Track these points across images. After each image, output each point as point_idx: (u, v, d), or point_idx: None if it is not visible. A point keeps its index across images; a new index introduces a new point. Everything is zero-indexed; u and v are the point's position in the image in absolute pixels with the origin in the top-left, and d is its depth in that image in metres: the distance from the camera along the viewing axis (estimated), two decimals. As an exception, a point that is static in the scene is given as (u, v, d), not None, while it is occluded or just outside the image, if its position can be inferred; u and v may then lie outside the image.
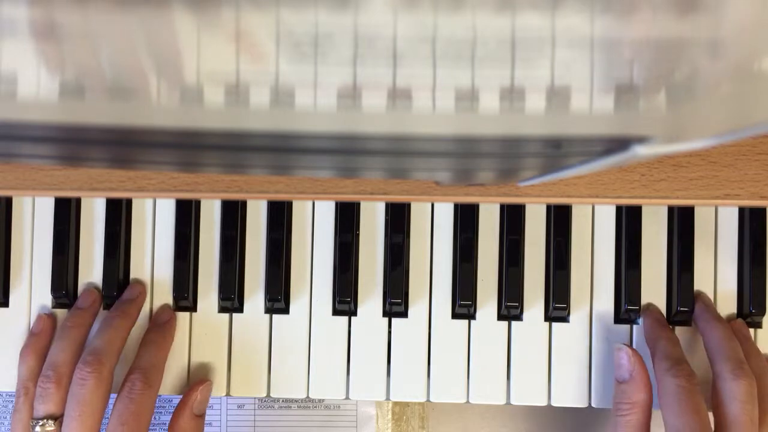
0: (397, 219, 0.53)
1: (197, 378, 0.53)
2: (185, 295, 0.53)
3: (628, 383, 0.49)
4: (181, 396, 0.52)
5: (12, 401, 0.58)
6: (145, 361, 0.50)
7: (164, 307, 0.53)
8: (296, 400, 0.58)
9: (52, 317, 0.53)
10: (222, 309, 0.53)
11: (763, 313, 0.52)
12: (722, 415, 0.46)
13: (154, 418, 0.58)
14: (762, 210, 0.53)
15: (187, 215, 0.53)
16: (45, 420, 0.47)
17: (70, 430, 0.46)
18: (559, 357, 0.52)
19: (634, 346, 0.53)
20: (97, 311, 0.52)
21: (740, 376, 0.46)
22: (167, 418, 0.58)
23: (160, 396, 0.55)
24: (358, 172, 0.45)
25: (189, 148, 0.33)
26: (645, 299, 0.53)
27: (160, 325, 0.52)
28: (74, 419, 0.46)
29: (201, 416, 0.51)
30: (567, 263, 0.52)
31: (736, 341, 0.49)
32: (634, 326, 0.53)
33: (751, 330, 0.53)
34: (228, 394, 0.53)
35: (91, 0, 0.19)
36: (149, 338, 0.51)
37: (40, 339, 0.51)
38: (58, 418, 0.47)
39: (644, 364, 0.49)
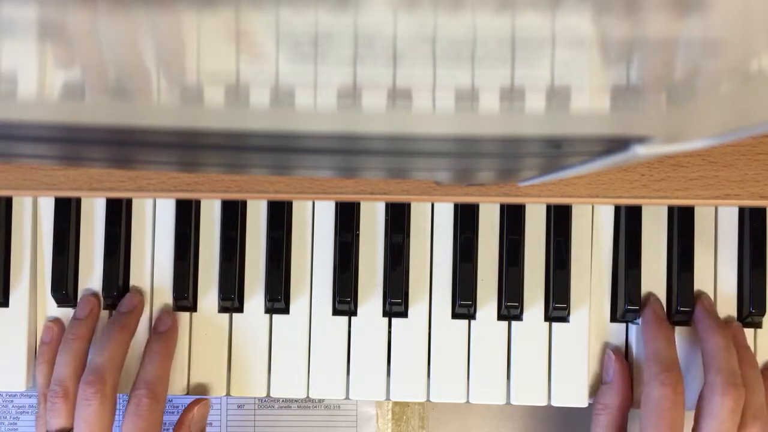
0: (397, 219, 0.53)
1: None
2: (185, 295, 0.53)
3: (606, 386, 0.51)
4: (179, 396, 0.52)
5: (12, 401, 0.58)
6: (150, 374, 0.50)
7: (165, 313, 0.53)
8: (296, 400, 0.58)
9: (59, 323, 0.53)
10: (222, 309, 0.53)
11: (763, 313, 0.52)
12: (700, 426, 0.48)
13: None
14: (762, 210, 0.53)
15: (187, 215, 0.53)
16: None
17: None
18: (559, 357, 0.52)
19: (632, 345, 0.53)
20: (97, 318, 0.52)
21: (728, 392, 0.47)
22: (167, 418, 0.58)
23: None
24: (358, 172, 0.45)
25: (189, 148, 0.33)
26: (643, 300, 0.53)
27: (163, 333, 0.52)
28: None
29: None
30: (567, 263, 0.52)
31: (733, 351, 0.49)
32: (633, 326, 0.53)
33: (751, 330, 0.53)
34: (228, 394, 0.53)
35: (91, 0, 0.19)
36: (152, 348, 0.51)
37: (52, 348, 0.52)
38: (69, 431, 0.48)
39: (626, 371, 0.51)
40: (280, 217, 0.53)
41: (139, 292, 0.53)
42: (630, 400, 0.51)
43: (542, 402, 0.52)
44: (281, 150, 0.31)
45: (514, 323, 0.53)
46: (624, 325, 0.53)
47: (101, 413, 0.47)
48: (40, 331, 0.53)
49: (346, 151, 0.31)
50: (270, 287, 0.52)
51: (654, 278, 0.53)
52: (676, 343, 0.52)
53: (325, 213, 0.53)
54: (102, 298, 0.53)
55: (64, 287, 0.52)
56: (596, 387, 0.53)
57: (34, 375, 0.52)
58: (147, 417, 0.48)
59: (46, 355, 0.52)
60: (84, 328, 0.51)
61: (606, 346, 0.53)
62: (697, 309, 0.52)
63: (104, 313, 0.53)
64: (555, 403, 0.52)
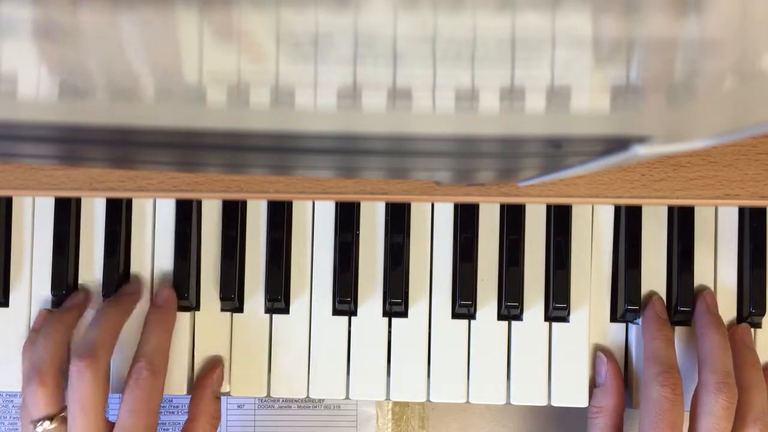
0: (397, 219, 0.53)
1: (201, 373, 0.53)
2: (185, 294, 0.53)
3: (599, 388, 0.51)
4: (179, 396, 0.52)
5: (12, 401, 0.58)
6: (150, 346, 0.49)
7: (163, 287, 0.52)
8: (296, 400, 0.58)
9: (52, 312, 0.53)
10: (222, 309, 0.53)
11: (763, 313, 0.52)
12: (696, 426, 0.48)
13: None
14: (762, 210, 0.53)
15: (187, 215, 0.53)
16: (43, 421, 0.47)
17: (77, 426, 0.46)
18: (559, 357, 0.52)
19: (632, 345, 0.53)
20: (84, 311, 0.52)
21: (722, 390, 0.47)
22: (167, 418, 0.58)
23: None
24: (358, 172, 0.45)
25: (189, 148, 0.33)
26: (645, 299, 0.53)
27: (161, 306, 0.51)
28: (78, 415, 0.46)
29: (219, 399, 0.52)
30: (567, 263, 0.52)
31: (729, 351, 0.49)
32: (633, 326, 0.53)
33: (751, 330, 0.53)
34: (228, 394, 0.53)
35: (92, 0, 0.19)
36: (151, 320, 0.51)
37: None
38: (56, 416, 0.47)
39: (618, 372, 0.51)
40: (280, 217, 0.53)
41: (139, 282, 0.53)
42: (624, 400, 0.51)
43: (542, 402, 0.52)
44: (281, 150, 0.31)
45: (514, 323, 0.53)
46: (624, 325, 0.53)
47: (94, 387, 0.46)
48: (40, 331, 0.53)
49: (346, 151, 0.31)
50: (270, 287, 0.52)
51: (654, 278, 0.53)
52: (676, 343, 0.52)
53: (325, 213, 0.53)
54: (91, 299, 0.53)
55: (64, 287, 0.52)
56: (596, 387, 0.53)
57: (21, 361, 0.51)
58: (147, 388, 0.47)
59: (33, 342, 0.51)
60: (68, 317, 0.51)
61: (606, 346, 0.53)
62: (698, 305, 0.52)
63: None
64: (555, 403, 0.52)
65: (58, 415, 0.47)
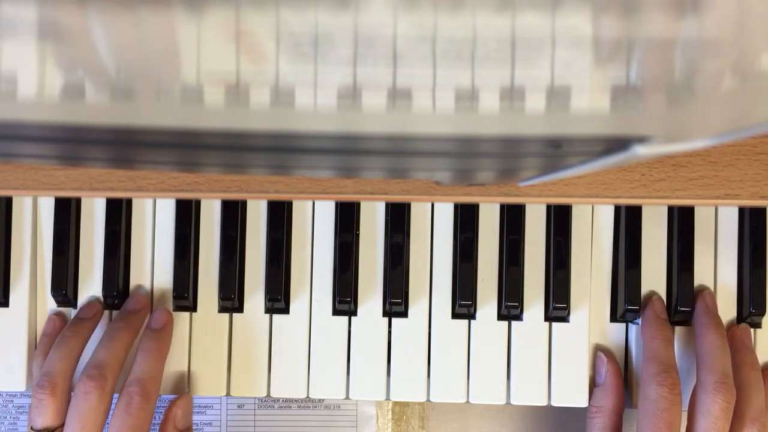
0: (397, 219, 0.53)
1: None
2: (185, 295, 0.52)
3: (599, 388, 0.52)
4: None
5: (12, 401, 0.58)
6: (143, 372, 0.49)
7: (161, 310, 0.52)
8: (296, 400, 0.58)
9: (62, 316, 0.53)
10: (222, 309, 0.53)
11: (763, 313, 0.52)
12: (693, 425, 0.48)
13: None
14: (762, 210, 0.53)
15: (187, 215, 0.53)
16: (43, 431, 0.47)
17: None
18: (559, 357, 0.52)
19: (632, 345, 0.53)
20: (98, 323, 0.52)
21: (719, 390, 0.47)
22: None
23: (159, 397, 0.55)
24: (358, 172, 0.45)
25: (189, 148, 0.33)
26: (645, 299, 0.53)
27: (157, 331, 0.51)
28: None
29: (187, 429, 0.51)
30: (567, 263, 0.52)
31: (727, 351, 0.49)
32: (633, 326, 0.53)
33: (751, 330, 0.53)
34: (228, 394, 0.53)
35: (92, 0, 0.19)
36: (146, 346, 0.50)
37: (51, 340, 0.51)
38: (56, 429, 0.47)
39: (618, 372, 0.51)
40: (280, 217, 0.53)
41: (145, 294, 0.53)
42: (623, 400, 0.51)
43: (542, 402, 0.52)
44: (281, 150, 0.31)
45: (514, 323, 0.53)
46: (624, 325, 0.53)
47: (97, 409, 0.47)
48: (40, 331, 0.53)
49: (346, 151, 0.31)
50: (270, 287, 0.52)
51: (654, 278, 0.53)
52: (676, 343, 0.52)
53: (325, 213, 0.53)
54: (103, 299, 0.53)
55: (64, 287, 0.52)
56: (596, 387, 0.53)
57: (32, 367, 0.52)
58: (137, 415, 0.47)
59: (45, 347, 0.51)
60: (84, 328, 0.51)
61: (606, 346, 0.53)
62: (698, 305, 0.52)
63: (105, 314, 0.53)
64: (555, 403, 0.52)
65: (58, 428, 0.47)
